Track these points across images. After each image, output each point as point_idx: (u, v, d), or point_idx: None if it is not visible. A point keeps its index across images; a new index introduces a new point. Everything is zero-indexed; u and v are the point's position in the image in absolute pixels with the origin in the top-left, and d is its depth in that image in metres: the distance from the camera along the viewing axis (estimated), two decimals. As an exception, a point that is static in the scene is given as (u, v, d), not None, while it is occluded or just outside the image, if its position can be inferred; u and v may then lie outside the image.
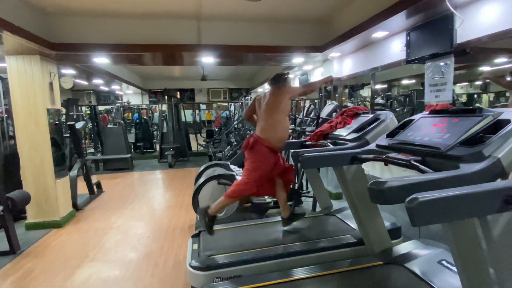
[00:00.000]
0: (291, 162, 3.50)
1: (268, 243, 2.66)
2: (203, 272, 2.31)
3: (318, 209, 3.83)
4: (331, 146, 2.58)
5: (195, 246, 2.69)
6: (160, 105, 9.48)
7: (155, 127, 13.34)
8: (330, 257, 2.47)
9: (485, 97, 12.11)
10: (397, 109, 8.46)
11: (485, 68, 7.24)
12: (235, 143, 6.67)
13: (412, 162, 1.69)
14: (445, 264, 2.06)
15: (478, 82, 10.98)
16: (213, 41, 3.87)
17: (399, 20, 2.83)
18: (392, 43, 3.29)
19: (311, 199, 4.37)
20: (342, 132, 2.83)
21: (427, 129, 1.92)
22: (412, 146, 1.86)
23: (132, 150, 9.37)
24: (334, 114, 4.00)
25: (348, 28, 3.48)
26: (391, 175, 3.31)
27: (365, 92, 10.12)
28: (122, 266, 2.81)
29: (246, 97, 8.46)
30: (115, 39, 3.69)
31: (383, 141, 2.19)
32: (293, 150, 2.32)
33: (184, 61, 4.65)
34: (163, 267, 2.78)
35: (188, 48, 3.87)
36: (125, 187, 5.92)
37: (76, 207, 4.29)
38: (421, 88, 10.51)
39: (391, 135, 2.20)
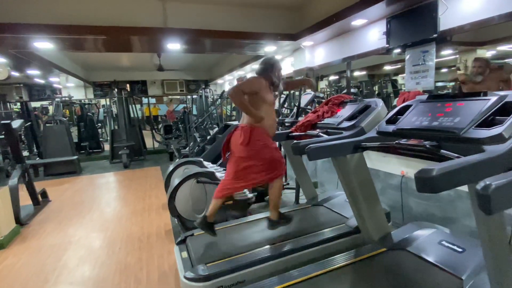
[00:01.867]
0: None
1: (264, 242, 2.49)
2: (201, 283, 2.06)
3: (300, 200, 3.79)
4: (326, 136, 2.48)
5: (184, 255, 2.40)
6: (107, 99, 8.53)
7: (100, 124, 12.10)
8: (332, 249, 2.42)
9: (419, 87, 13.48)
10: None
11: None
12: (199, 138, 6.29)
13: (428, 146, 1.67)
14: (446, 244, 2.13)
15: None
16: (181, 25, 3.50)
17: (381, 8, 2.84)
18: (369, 31, 3.32)
19: (288, 191, 4.33)
20: (331, 121, 2.77)
21: (432, 114, 1.92)
22: (422, 131, 1.84)
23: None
24: (313, 104, 3.96)
25: (323, 16, 3.43)
26: (370, 162, 3.36)
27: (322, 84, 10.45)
28: (96, 287, 2.39)
29: (206, 89, 8.06)
30: (62, 19, 3.09)
31: (384, 128, 2.15)
32: (294, 142, 2.16)
33: (145, 47, 4.16)
34: (147, 282, 2.43)
35: (152, 32, 3.44)
36: (76, 193, 5.18)
37: (19, 222, 3.58)
38: (368, 79, 11.28)
39: (391, 121, 2.18)
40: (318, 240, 2.47)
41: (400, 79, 12.25)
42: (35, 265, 2.77)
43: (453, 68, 7.63)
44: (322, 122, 2.88)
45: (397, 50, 3.04)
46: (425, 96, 2.19)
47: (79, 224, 3.70)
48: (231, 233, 2.72)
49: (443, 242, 2.15)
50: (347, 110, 2.73)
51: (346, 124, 2.53)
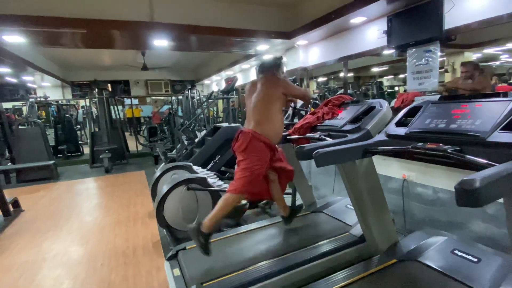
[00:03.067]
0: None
1: (265, 256, 2.29)
2: (198, 306, 1.84)
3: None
4: (330, 139, 2.31)
5: (177, 272, 2.17)
6: (86, 99, 8.07)
7: (79, 126, 11.52)
8: (338, 261, 2.25)
9: (402, 88, 13.76)
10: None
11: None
12: (187, 140, 6.01)
13: (451, 151, 1.52)
14: (460, 253, 2.00)
15: (401, 76, 12.39)
16: (169, 19, 3.25)
17: (381, 5, 2.72)
18: (368, 29, 3.20)
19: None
20: (333, 123, 2.61)
21: (447, 116, 1.79)
22: (439, 135, 1.71)
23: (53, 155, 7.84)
24: (308, 105, 3.80)
25: (320, 13, 3.29)
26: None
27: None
28: (74, 312, 2.11)
29: (192, 90, 7.77)
30: (35, 10, 2.77)
31: (395, 130, 2.01)
32: (298, 146, 1.98)
33: (129, 44, 3.87)
34: (135, 304, 2.17)
35: (137, 27, 3.17)
36: (52, 201, 4.79)
37: (-14, 236, 3.21)
38: (354, 81, 11.36)
39: (401, 124, 2.05)
40: (323, 251, 2.29)
41: (385, 81, 12.44)
42: (4, 286, 2.44)
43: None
44: (323, 124, 2.73)
45: (397, 50, 2.92)
46: (435, 97, 2.08)
47: (56, 237, 3.37)
48: (227, 246, 2.49)
49: (456, 252, 2.03)
50: (350, 112, 2.58)
51: (350, 126, 2.38)
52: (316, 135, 2.59)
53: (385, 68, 9.68)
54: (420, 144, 1.72)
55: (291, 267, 2.14)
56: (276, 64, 2.37)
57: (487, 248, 2.08)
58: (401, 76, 12.52)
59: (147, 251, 2.93)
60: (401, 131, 1.96)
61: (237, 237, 2.64)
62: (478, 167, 1.42)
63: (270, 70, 2.36)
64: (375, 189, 2.13)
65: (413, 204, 2.95)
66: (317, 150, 1.78)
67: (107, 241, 3.18)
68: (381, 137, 2.07)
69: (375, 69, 9.59)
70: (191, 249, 2.43)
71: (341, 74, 11.16)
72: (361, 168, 2.04)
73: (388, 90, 11.66)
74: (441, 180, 2.67)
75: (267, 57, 2.44)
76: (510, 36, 4.91)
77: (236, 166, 2.41)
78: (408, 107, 2.17)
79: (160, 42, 3.65)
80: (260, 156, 2.21)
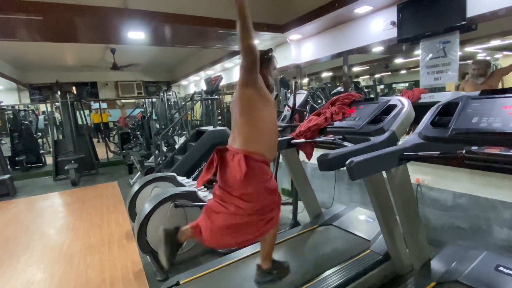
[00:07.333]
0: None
1: (281, 284, 1.90)
2: None
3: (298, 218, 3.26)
4: (350, 144, 1.97)
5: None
6: (48, 104, 7.20)
7: (40, 134, 10.45)
8: (364, 285, 1.92)
9: (378, 87, 14.02)
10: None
11: (399, 60, 8.08)
12: (165, 146, 5.47)
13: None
14: (506, 271, 1.74)
15: (377, 76, 12.56)
16: (146, 6, 2.76)
17: (391, -8, 2.44)
18: (372, 21, 2.93)
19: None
20: (347, 124, 2.28)
21: (499, 113, 1.52)
22: (498, 136, 1.42)
23: (9, 167, 6.89)
24: (307, 105, 3.46)
25: (317, 4, 2.97)
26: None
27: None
28: None
29: (168, 92, 7.20)
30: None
31: (432, 131, 1.72)
32: (321, 154, 1.61)
33: (95, 36, 3.32)
34: None
35: (107, 14, 2.64)
36: (7, 224, 4.05)
37: None
38: (331, 81, 11.28)
39: (437, 124, 1.76)
40: (345, 277, 1.94)
41: (361, 81, 12.53)
42: None
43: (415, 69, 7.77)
44: (333, 126, 2.39)
45: (408, 42, 2.66)
46: (474, 93, 1.81)
47: (12, 271, 2.74)
48: (225, 279, 2.06)
49: (502, 269, 1.76)
50: (365, 111, 2.26)
51: (371, 127, 2.05)
52: (329, 138, 2.24)
53: (365, 67, 9.67)
54: (475, 148, 1.43)
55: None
56: (263, 57, 1.79)
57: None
58: (377, 76, 12.73)
59: (128, 284, 2.42)
60: (441, 132, 1.66)
61: (235, 266, 2.20)
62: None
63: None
64: (408, 200, 1.82)
65: (428, 210, 2.70)
66: (351, 159, 1.43)
67: (77, 274, 2.62)
68: (415, 139, 1.77)
69: (355, 69, 9.53)
70: (186, 284, 1.98)
71: (322, 75, 11.11)
72: (396, 177, 1.72)
73: (365, 90, 11.74)
74: (462, 184, 2.44)
75: (260, 50, 1.88)
76: (493, 33, 4.92)
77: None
78: (439, 104, 1.89)
79: (135, 35, 3.14)
80: (262, 179, 1.69)
